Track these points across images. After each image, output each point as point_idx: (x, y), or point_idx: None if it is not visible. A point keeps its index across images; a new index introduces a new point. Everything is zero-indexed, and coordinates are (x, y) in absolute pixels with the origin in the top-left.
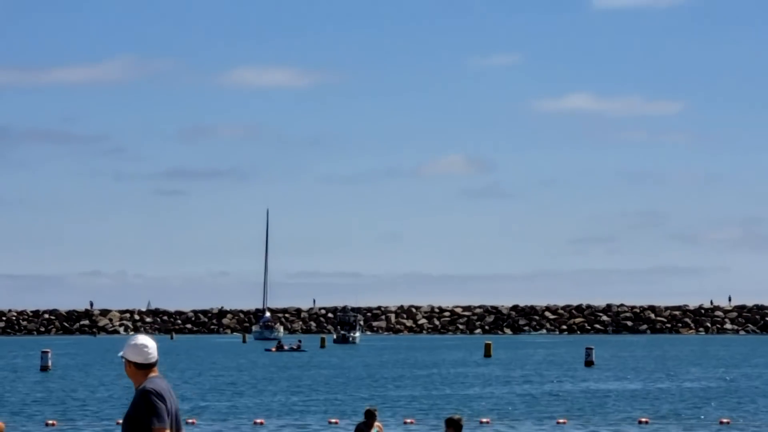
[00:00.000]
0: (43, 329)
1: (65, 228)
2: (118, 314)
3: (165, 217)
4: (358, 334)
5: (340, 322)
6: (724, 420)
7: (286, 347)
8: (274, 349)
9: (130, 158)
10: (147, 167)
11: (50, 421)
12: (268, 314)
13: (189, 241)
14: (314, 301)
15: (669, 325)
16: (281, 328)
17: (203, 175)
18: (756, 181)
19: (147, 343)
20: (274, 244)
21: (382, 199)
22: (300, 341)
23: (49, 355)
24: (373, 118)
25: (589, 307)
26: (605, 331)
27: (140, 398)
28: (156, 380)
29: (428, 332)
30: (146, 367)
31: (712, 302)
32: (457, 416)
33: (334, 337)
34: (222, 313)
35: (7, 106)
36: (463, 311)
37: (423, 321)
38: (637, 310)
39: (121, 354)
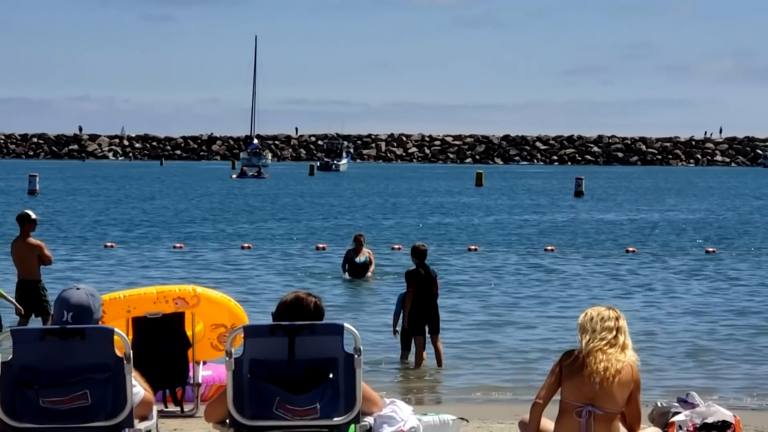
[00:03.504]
0: (31, 153)
1: (52, 52)
2: (107, 139)
3: (153, 42)
4: (344, 161)
5: (326, 150)
6: (710, 249)
7: (248, 174)
8: (235, 176)
9: None
10: None
11: None
12: (256, 141)
13: (177, 67)
14: (296, 129)
15: (660, 157)
16: (269, 155)
17: (192, 0)
18: (749, 13)
19: None
20: (262, 72)
21: (372, 28)
22: (260, 167)
23: (37, 178)
24: None
25: (580, 138)
26: (596, 162)
27: None
28: None
29: (419, 161)
30: None
31: (705, 134)
32: (423, 247)
33: (317, 164)
34: (211, 139)
35: None
36: (453, 140)
37: (413, 150)
38: (628, 142)
39: None
